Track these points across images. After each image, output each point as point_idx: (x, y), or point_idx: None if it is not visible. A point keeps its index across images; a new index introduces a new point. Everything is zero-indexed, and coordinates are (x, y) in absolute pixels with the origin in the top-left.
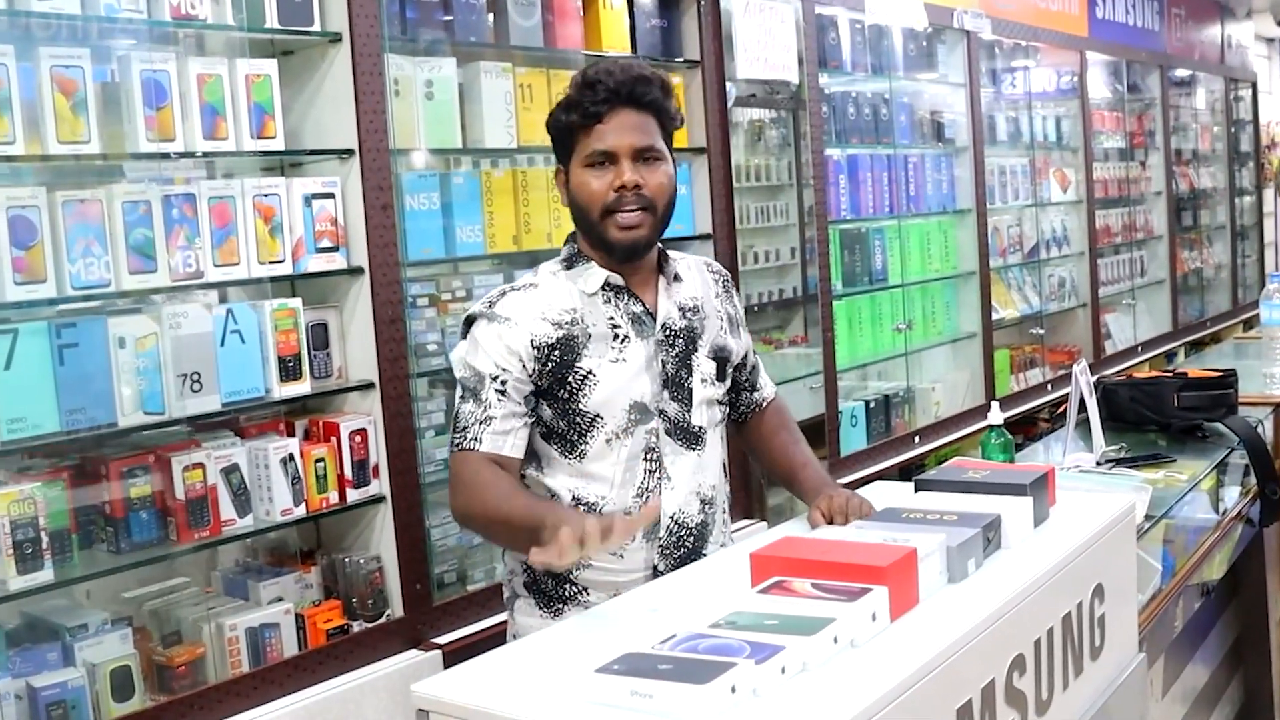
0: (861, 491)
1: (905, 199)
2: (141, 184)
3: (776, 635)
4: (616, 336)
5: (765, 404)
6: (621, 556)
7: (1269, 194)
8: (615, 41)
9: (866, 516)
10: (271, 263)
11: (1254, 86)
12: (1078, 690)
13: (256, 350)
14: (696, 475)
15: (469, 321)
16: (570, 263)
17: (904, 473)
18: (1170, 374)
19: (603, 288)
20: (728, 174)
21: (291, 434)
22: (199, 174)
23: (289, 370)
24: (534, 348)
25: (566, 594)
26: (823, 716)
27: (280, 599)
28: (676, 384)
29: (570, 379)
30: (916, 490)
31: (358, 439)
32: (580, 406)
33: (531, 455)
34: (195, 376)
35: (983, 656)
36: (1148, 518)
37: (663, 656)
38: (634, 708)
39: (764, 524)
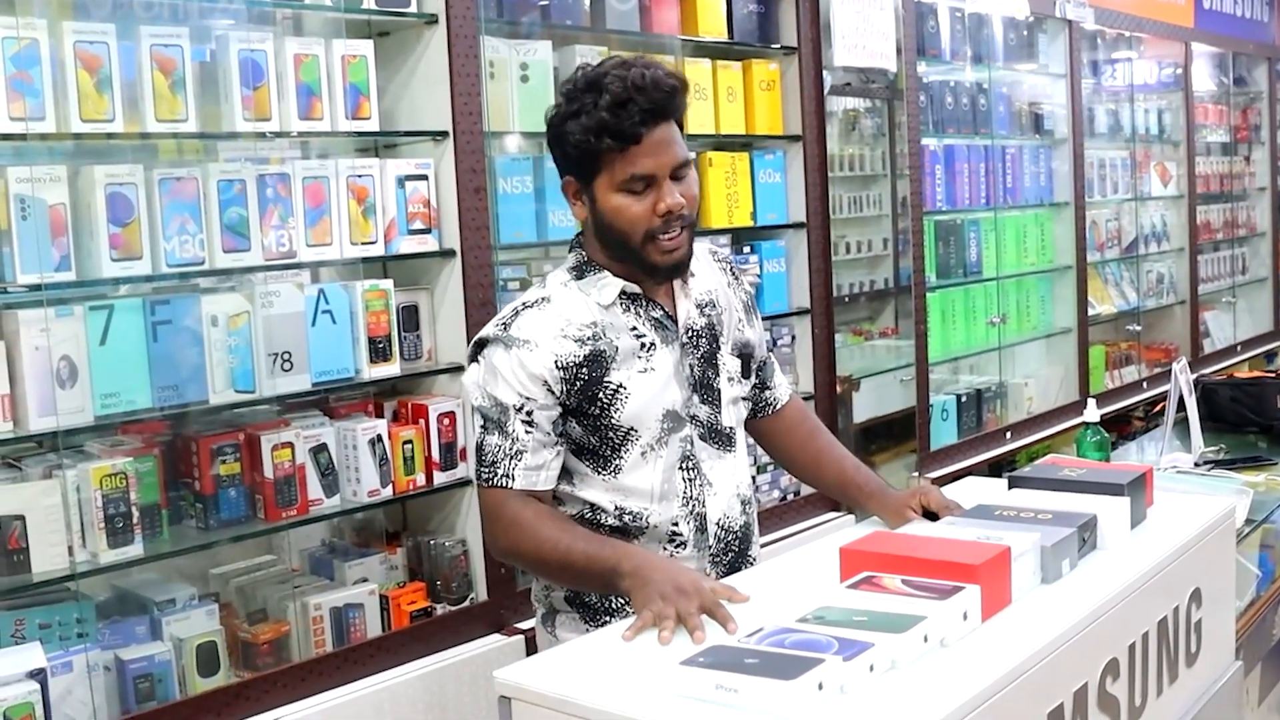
0: (954, 487)
1: (1002, 191)
2: (237, 163)
3: (865, 632)
4: (643, 346)
5: (780, 404)
6: None
7: None
8: (711, 26)
9: (956, 513)
10: (364, 244)
11: None
12: (1171, 697)
13: (347, 331)
14: (734, 477)
15: (480, 345)
16: (580, 272)
17: (994, 469)
18: (1273, 374)
19: (621, 296)
20: (823, 163)
21: (380, 415)
22: (294, 154)
23: (379, 351)
24: (559, 369)
25: (613, 605)
26: (911, 716)
27: (365, 580)
28: (705, 386)
29: (600, 395)
30: (1010, 487)
31: (445, 422)
32: (613, 421)
33: (562, 471)
34: (286, 356)
35: (1076, 660)
36: (1248, 521)
37: (749, 650)
38: (719, 701)
39: (850, 517)
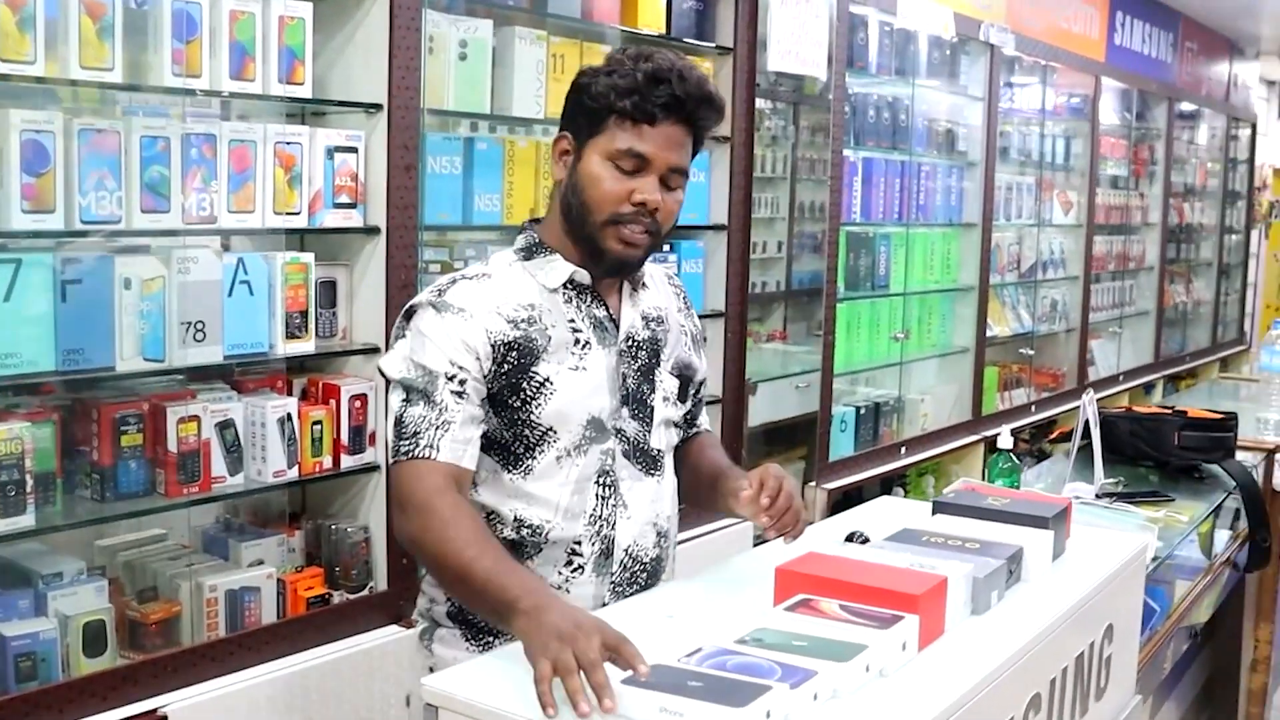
0: (871, 506)
1: (914, 207)
2: (162, 119)
3: (807, 659)
4: (578, 342)
5: (698, 434)
6: (568, 591)
7: (1255, 234)
8: (651, 20)
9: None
10: (287, 214)
11: (1253, 127)
12: None
13: (264, 303)
14: (654, 504)
15: (409, 314)
16: (529, 253)
17: (885, 483)
18: (1170, 411)
19: (565, 284)
20: (749, 165)
21: (290, 393)
22: (221, 114)
23: (295, 327)
24: (491, 345)
25: (494, 627)
26: None
27: (261, 562)
28: (638, 401)
29: (524, 386)
30: (935, 513)
31: (357, 404)
32: (532, 417)
33: None
34: (199, 325)
35: (1006, 694)
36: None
37: (691, 672)
38: None
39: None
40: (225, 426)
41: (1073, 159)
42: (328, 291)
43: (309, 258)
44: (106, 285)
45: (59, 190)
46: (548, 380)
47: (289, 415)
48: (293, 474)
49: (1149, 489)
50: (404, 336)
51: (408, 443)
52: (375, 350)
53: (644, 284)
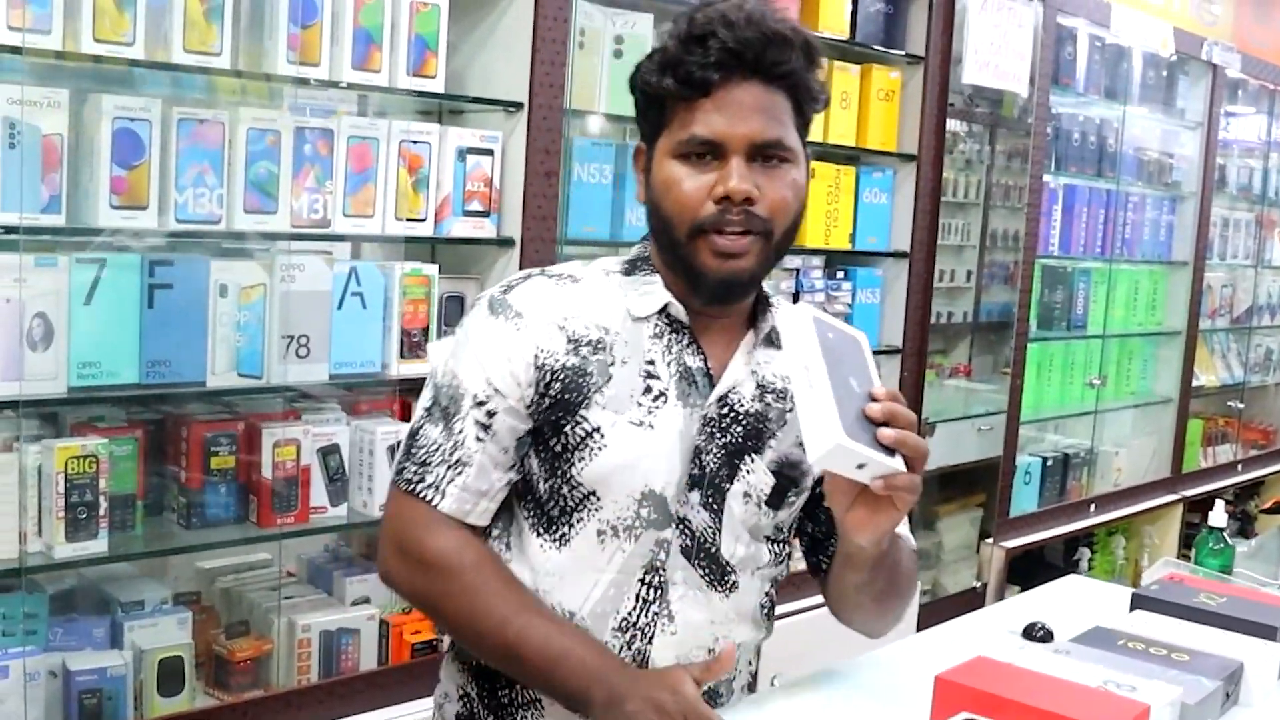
0: (1058, 588)
1: (1119, 241)
2: (273, 111)
3: None
4: (649, 390)
5: None
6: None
7: None
8: (832, 23)
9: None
10: (410, 220)
11: None
12: None
13: (379, 318)
14: (715, 627)
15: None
16: (632, 267)
17: (1069, 544)
18: None
19: (658, 313)
20: (937, 187)
21: (406, 418)
22: (341, 108)
23: (413, 345)
24: (536, 367)
25: (522, 699)
26: None
27: (366, 600)
28: (713, 487)
29: (566, 431)
30: (1133, 607)
31: None
32: (572, 473)
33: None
34: (304, 340)
35: None
36: None
37: None
38: None
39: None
40: (329, 452)
41: None
42: (454, 308)
43: (433, 270)
44: (200, 292)
45: (153, 185)
46: (597, 431)
47: (400, 443)
48: None
49: None
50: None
51: (414, 469)
52: None
53: (773, 340)
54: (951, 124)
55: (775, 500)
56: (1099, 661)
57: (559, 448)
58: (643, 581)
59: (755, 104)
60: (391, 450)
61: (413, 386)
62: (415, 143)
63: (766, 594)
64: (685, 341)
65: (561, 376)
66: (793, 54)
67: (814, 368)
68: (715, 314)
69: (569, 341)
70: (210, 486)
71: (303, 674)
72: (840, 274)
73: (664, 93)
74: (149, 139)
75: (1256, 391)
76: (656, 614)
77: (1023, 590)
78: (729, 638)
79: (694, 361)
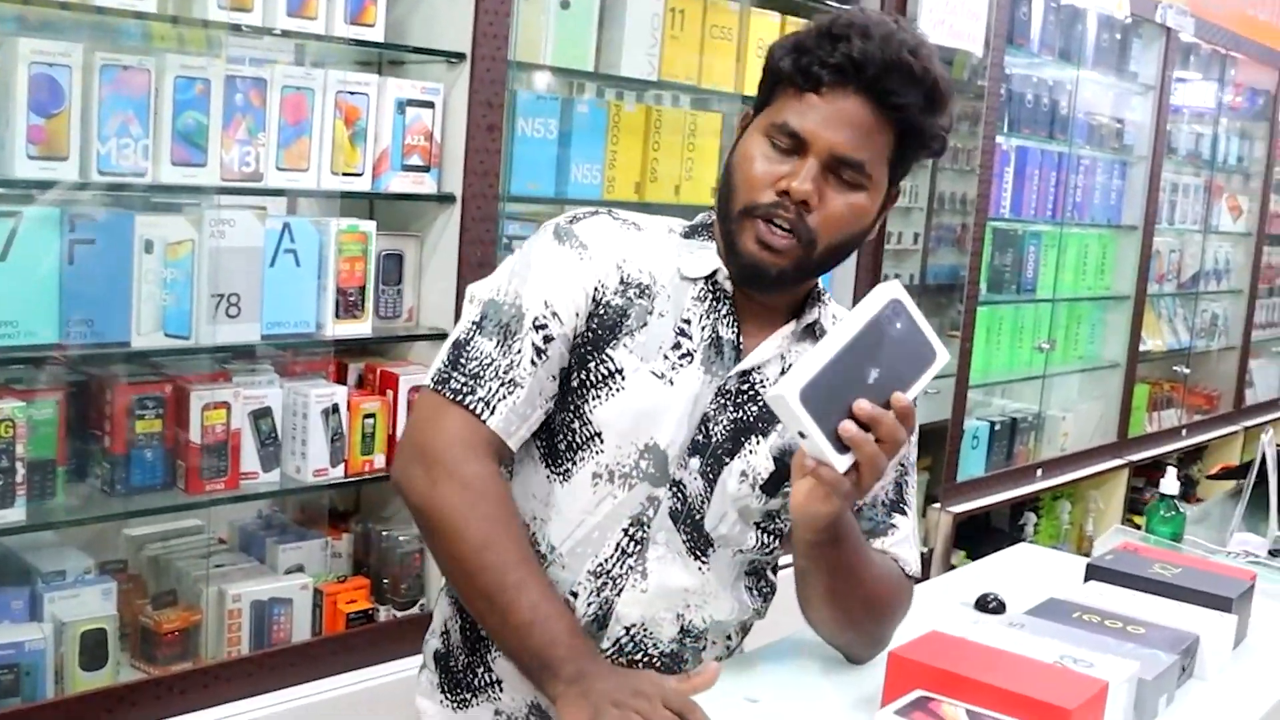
0: (1010, 556)
1: (1070, 205)
2: (202, 58)
3: None
4: (677, 347)
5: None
6: None
7: None
8: None
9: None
10: (347, 175)
11: None
12: None
13: (313, 276)
14: (689, 595)
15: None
16: (692, 232)
17: (1015, 508)
18: None
19: (706, 278)
20: None
21: (342, 380)
22: (274, 57)
23: (350, 305)
24: (594, 300)
25: (476, 682)
26: None
27: (300, 569)
28: (714, 458)
29: (591, 365)
30: (1088, 578)
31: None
32: (585, 409)
33: None
34: (234, 299)
35: None
36: None
37: None
38: None
39: None
40: (261, 415)
41: (1248, 161)
42: (392, 266)
43: (370, 226)
44: (124, 247)
45: (74, 135)
46: (619, 373)
47: (336, 406)
48: (337, 473)
49: None
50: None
51: (462, 380)
52: (444, 337)
53: (817, 334)
54: None
55: (771, 486)
56: (1054, 635)
57: (576, 382)
58: (626, 533)
59: (853, 119)
60: (326, 413)
61: (349, 348)
62: (353, 94)
63: (756, 576)
64: (724, 311)
65: (602, 313)
66: (912, 90)
67: (841, 334)
68: (758, 295)
69: (621, 282)
70: (136, 452)
71: (233, 645)
72: None
73: (780, 73)
74: (69, 86)
75: (1201, 357)
76: (631, 568)
77: (969, 555)
78: (703, 610)
79: (727, 332)
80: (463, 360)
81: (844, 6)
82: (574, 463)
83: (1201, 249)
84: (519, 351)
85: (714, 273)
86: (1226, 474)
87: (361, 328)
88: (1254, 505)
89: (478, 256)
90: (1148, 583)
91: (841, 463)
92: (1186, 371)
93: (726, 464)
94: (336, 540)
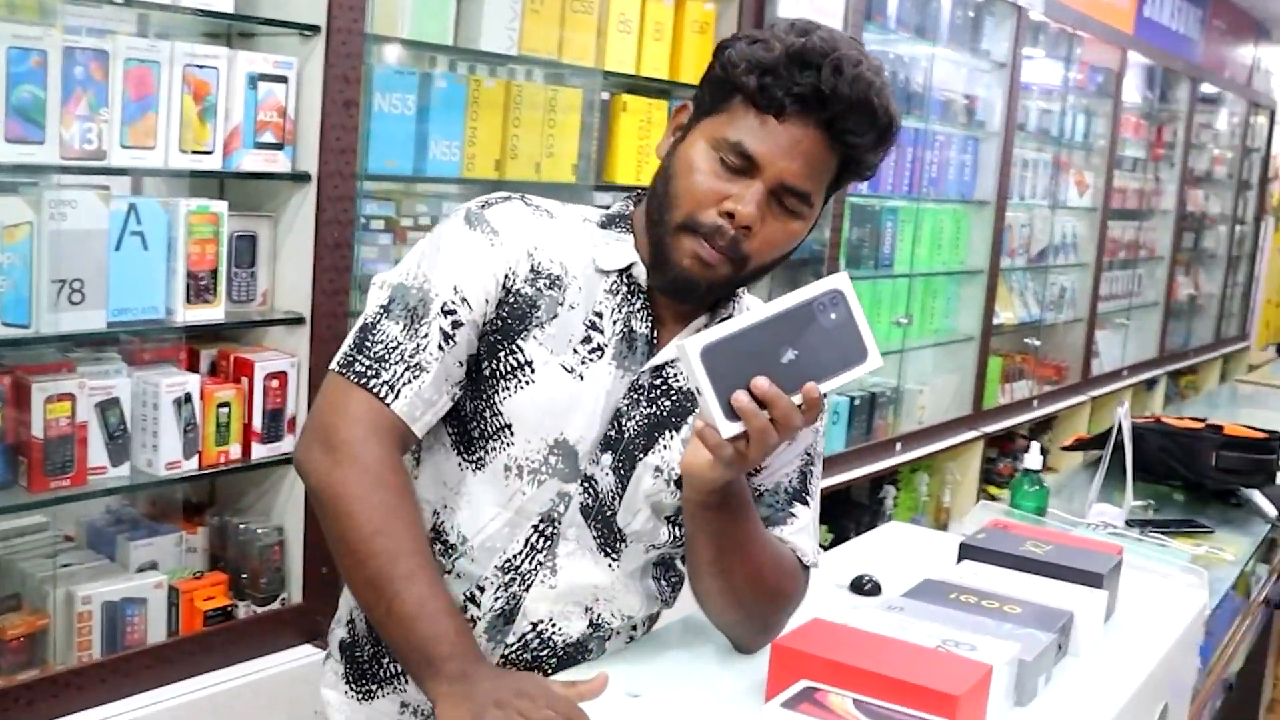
0: (881, 536)
1: (926, 180)
2: (37, 28)
3: None
4: (588, 341)
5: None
6: None
7: (1265, 226)
8: None
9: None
10: (197, 153)
11: (1272, 114)
12: None
13: (162, 260)
14: (599, 591)
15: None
16: (608, 222)
17: (875, 483)
18: (1204, 425)
19: (621, 271)
20: None
21: (194, 368)
22: (117, 27)
23: (200, 289)
24: (504, 288)
25: (382, 673)
26: None
27: (154, 566)
28: (626, 454)
29: (501, 356)
30: (961, 558)
31: (274, 383)
32: (495, 400)
33: None
34: (77, 284)
35: None
36: None
37: None
38: None
39: None
40: (108, 407)
41: (1092, 137)
42: (245, 248)
43: (221, 207)
44: None
45: None
46: (528, 364)
47: (188, 395)
48: (191, 465)
49: (1183, 517)
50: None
51: (368, 363)
52: (300, 321)
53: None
54: None
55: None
56: (934, 618)
57: (488, 371)
58: (536, 529)
59: (808, 150)
60: (178, 403)
61: (200, 333)
62: (201, 67)
63: (664, 567)
64: (638, 305)
65: (513, 301)
66: (870, 131)
67: (768, 308)
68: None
69: (532, 270)
70: None
71: (84, 650)
72: None
73: (739, 86)
74: None
75: (1050, 329)
76: (540, 564)
77: (831, 530)
78: (612, 604)
79: (640, 327)
80: (368, 343)
81: None
82: (486, 451)
83: (1050, 224)
84: (426, 336)
85: (629, 266)
86: (1080, 445)
87: (214, 313)
88: (1109, 476)
89: (335, 237)
90: (1020, 560)
91: (727, 429)
92: (1037, 344)
93: (640, 460)
94: (191, 534)
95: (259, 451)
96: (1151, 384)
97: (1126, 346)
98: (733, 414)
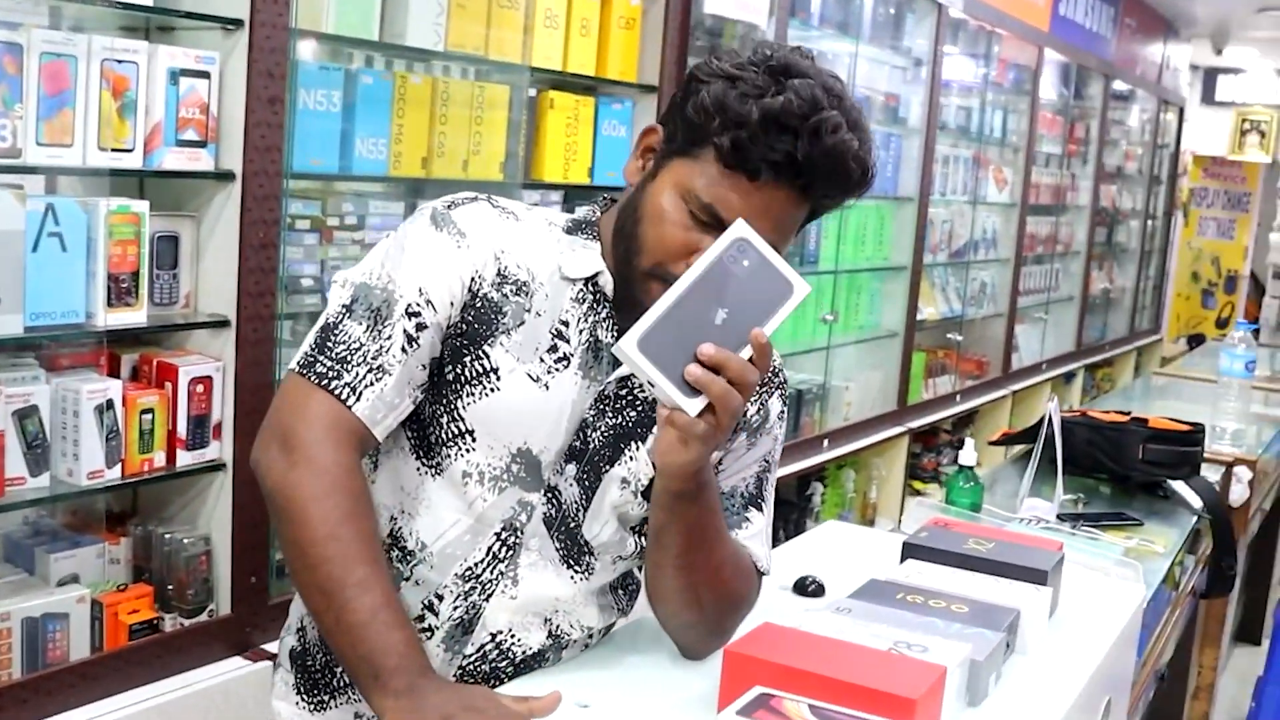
0: (821, 535)
1: None
2: None
3: None
4: (554, 350)
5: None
6: None
7: (1175, 221)
8: None
9: None
10: (116, 150)
11: (1181, 111)
12: None
13: (81, 261)
14: (559, 603)
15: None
16: (575, 227)
17: (802, 480)
18: (1129, 419)
19: (587, 280)
20: None
21: (115, 374)
22: (31, 19)
23: (121, 292)
24: (470, 290)
25: (335, 682)
26: None
27: (75, 579)
28: (590, 464)
29: (466, 361)
30: (905, 557)
31: (199, 388)
32: (457, 405)
33: None
34: None
35: None
36: None
37: None
38: None
39: None
40: (26, 415)
41: (1010, 134)
42: (167, 249)
43: (142, 207)
44: None
45: None
46: (494, 371)
47: (110, 401)
48: (114, 474)
49: (1112, 510)
50: (391, 237)
51: (330, 365)
52: (225, 324)
53: None
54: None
55: (653, 492)
56: (883, 620)
57: (451, 376)
58: (498, 537)
59: (779, 211)
60: (99, 410)
61: (121, 337)
62: (120, 62)
63: (623, 578)
64: (604, 314)
65: (479, 305)
66: (845, 193)
67: (682, 280)
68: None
69: (498, 275)
70: None
71: (3, 669)
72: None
73: (715, 142)
74: None
75: (971, 324)
76: (502, 573)
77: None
78: (571, 616)
79: (606, 336)
80: (330, 344)
81: None
82: (445, 457)
83: (971, 220)
84: (389, 338)
85: (595, 275)
86: (1007, 439)
87: (135, 316)
88: (1036, 470)
89: (260, 238)
90: (964, 559)
91: (692, 406)
92: (959, 339)
93: (606, 471)
94: (114, 545)
95: (184, 459)
96: (1070, 377)
97: (1045, 340)
98: (692, 390)
